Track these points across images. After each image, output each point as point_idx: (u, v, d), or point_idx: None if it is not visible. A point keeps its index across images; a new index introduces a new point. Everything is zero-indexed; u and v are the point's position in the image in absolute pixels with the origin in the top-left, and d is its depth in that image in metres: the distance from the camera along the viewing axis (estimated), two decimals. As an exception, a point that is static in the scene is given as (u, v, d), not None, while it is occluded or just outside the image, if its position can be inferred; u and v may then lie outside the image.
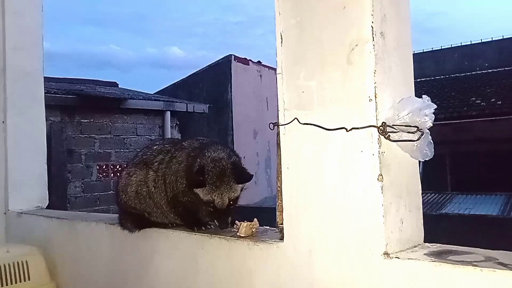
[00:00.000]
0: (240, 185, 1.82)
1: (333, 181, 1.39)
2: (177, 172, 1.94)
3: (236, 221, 1.79)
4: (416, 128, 1.29)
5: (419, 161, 1.42)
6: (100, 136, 7.32)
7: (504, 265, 1.12)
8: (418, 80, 11.89)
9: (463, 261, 1.19)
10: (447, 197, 11.17)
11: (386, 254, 1.28)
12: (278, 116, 1.56)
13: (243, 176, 1.83)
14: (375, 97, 1.30)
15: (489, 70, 14.20)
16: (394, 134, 1.30)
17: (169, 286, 2.03)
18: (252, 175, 1.84)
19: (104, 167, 7.34)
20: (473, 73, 14.60)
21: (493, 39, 15.13)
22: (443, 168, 11.62)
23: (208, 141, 2.04)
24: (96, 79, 10.76)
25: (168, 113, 8.19)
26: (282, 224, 1.57)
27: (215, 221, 1.82)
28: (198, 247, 1.88)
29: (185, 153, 1.97)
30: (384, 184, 1.29)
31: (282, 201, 1.56)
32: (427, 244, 1.41)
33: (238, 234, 1.74)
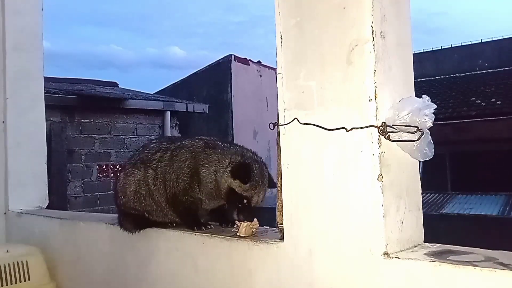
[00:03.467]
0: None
1: (333, 181, 1.39)
2: (180, 170, 1.94)
3: (236, 221, 1.79)
4: (416, 128, 1.29)
5: (419, 161, 1.42)
6: (100, 136, 7.31)
7: (504, 265, 1.12)
8: (418, 80, 11.88)
9: (463, 261, 1.19)
10: (447, 197, 11.17)
11: (386, 254, 1.28)
12: (278, 116, 1.56)
13: (272, 179, 1.90)
14: (375, 97, 1.30)
15: (489, 70, 14.18)
16: (394, 134, 1.31)
17: (169, 286, 2.03)
18: (276, 183, 1.87)
19: (104, 167, 7.34)
20: (473, 73, 14.59)
21: (493, 39, 15.11)
22: (443, 168, 11.61)
23: (213, 140, 2.03)
24: (96, 79, 10.75)
25: (168, 113, 8.18)
26: (282, 224, 1.57)
27: (240, 216, 1.80)
28: (198, 247, 1.88)
29: (189, 151, 1.96)
30: (384, 184, 1.29)
31: (282, 201, 1.56)
32: (427, 244, 1.41)
33: (238, 234, 1.74)
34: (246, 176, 1.80)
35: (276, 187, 1.81)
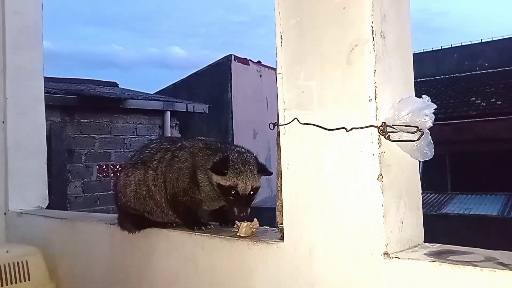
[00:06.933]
0: (261, 176, 1.87)
1: (333, 181, 1.39)
2: (179, 170, 1.94)
3: (236, 221, 1.79)
4: (416, 128, 1.29)
5: (419, 161, 1.42)
6: (100, 136, 7.31)
7: (504, 265, 1.12)
8: (418, 80, 11.88)
9: (463, 261, 1.19)
10: (447, 197, 11.17)
11: (386, 254, 1.28)
12: (278, 116, 1.56)
13: (264, 167, 1.90)
14: (375, 97, 1.30)
15: (489, 70, 14.18)
16: (394, 134, 1.31)
17: (169, 286, 2.03)
18: (272, 172, 1.89)
19: (104, 167, 7.33)
20: (473, 73, 14.60)
21: (493, 39, 15.12)
22: (443, 168, 11.61)
23: (212, 141, 2.03)
24: (96, 79, 10.75)
25: (168, 113, 8.18)
26: (282, 224, 1.57)
27: (234, 209, 1.80)
28: (198, 247, 1.88)
29: (188, 152, 1.97)
30: (384, 184, 1.29)
31: (282, 201, 1.56)
32: (427, 244, 1.41)
33: (238, 234, 1.74)
34: (223, 167, 1.80)
35: (271, 175, 1.86)
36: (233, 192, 1.79)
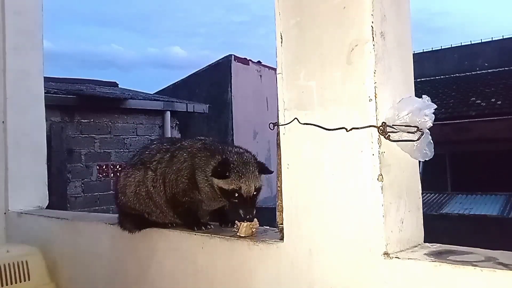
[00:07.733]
0: (262, 176, 1.85)
1: (333, 181, 1.39)
2: (178, 171, 1.94)
3: (236, 221, 1.79)
4: (416, 128, 1.29)
5: (419, 161, 1.43)
6: (100, 136, 7.31)
7: (504, 265, 1.12)
8: (418, 80, 11.87)
9: (463, 261, 1.19)
10: (447, 197, 11.16)
11: (386, 254, 1.28)
12: (278, 116, 1.56)
13: (265, 166, 1.88)
14: (375, 97, 1.30)
15: (489, 70, 14.18)
16: (394, 134, 1.31)
17: (169, 286, 2.03)
18: (273, 171, 1.86)
19: (104, 167, 7.33)
20: (473, 73, 14.59)
21: (493, 39, 15.12)
22: (443, 168, 11.61)
23: (211, 141, 2.03)
24: (96, 79, 10.75)
25: (168, 113, 8.18)
26: (282, 224, 1.57)
27: (240, 211, 1.77)
28: (198, 247, 1.88)
29: (187, 152, 1.96)
30: (384, 184, 1.29)
31: (282, 201, 1.56)
32: (427, 244, 1.41)
33: (238, 234, 1.74)
34: (224, 171, 1.78)
35: (272, 173, 1.84)
36: (236, 195, 1.78)
